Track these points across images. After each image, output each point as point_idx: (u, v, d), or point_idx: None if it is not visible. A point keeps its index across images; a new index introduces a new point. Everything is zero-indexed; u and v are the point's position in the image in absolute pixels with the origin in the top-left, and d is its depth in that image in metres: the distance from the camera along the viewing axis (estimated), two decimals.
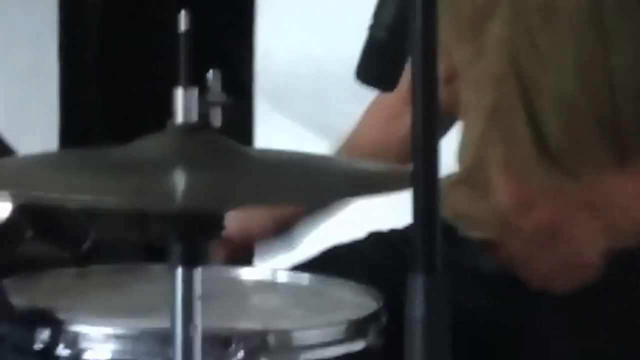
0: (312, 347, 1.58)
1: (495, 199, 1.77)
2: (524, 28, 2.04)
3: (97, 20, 4.89)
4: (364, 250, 2.12)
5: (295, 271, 1.94)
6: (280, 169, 1.65)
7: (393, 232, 2.07)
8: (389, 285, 1.64)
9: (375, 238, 2.14)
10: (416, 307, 1.09)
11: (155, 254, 1.51)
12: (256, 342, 1.54)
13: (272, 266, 1.96)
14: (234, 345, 1.52)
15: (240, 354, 1.52)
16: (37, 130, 4.17)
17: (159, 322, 1.50)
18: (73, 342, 1.54)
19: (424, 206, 1.10)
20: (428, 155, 1.11)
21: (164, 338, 1.45)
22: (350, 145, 2.21)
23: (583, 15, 1.98)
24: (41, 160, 1.66)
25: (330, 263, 2.03)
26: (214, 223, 1.42)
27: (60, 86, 4.39)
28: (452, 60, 2.14)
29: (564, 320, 1.93)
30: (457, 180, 2.11)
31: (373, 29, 1.43)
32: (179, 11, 1.45)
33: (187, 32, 1.45)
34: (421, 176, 1.11)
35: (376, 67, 1.44)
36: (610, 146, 1.97)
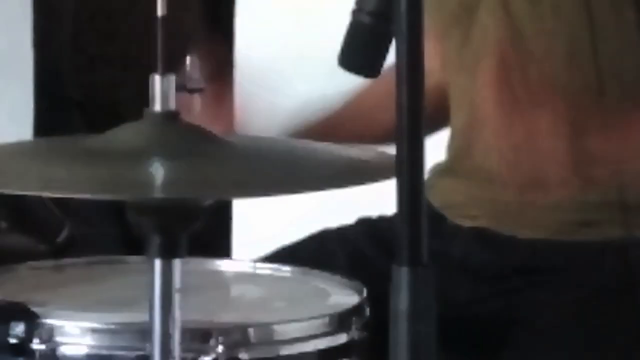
0: (293, 340, 1.58)
1: None
2: (510, 17, 2.06)
3: (71, 3, 4.89)
4: (353, 236, 2.14)
5: (283, 254, 1.98)
6: (262, 157, 1.65)
7: (382, 220, 2.09)
8: (375, 273, 1.66)
9: (364, 225, 2.16)
10: (401, 299, 1.10)
11: (133, 245, 1.51)
12: (236, 336, 1.55)
13: (258, 254, 1.96)
14: (213, 339, 1.52)
15: (220, 348, 1.52)
16: (10, 119, 4.18)
17: (137, 316, 1.51)
18: (48, 336, 1.54)
19: (409, 197, 1.10)
20: (413, 145, 1.11)
21: (142, 332, 1.46)
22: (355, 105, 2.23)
23: (570, 4, 2.00)
24: (15, 150, 1.66)
25: (318, 248, 2.05)
26: (193, 213, 1.42)
27: (35, 72, 4.39)
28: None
29: (554, 312, 1.95)
30: (445, 168, 2.13)
31: (356, 14, 1.43)
32: None
33: (164, 17, 1.45)
34: (406, 166, 1.10)
35: (360, 53, 1.44)
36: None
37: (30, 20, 4.33)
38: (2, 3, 4.29)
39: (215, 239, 2.94)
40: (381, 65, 1.46)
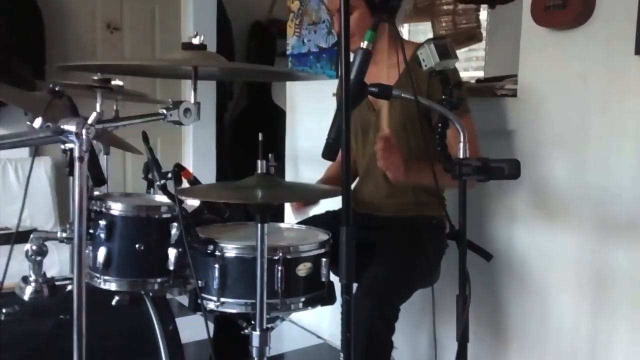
0: (305, 251, 1.56)
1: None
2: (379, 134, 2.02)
3: (231, 123, 4.85)
4: (324, 217, 2.08)
5: (300, 224, 1.88)
6: (295, 188, 1.66)
7: (337, 210, 2.05)
8: (333, 229, 1.64)
9: (328, 213, 2.09)
10: (342, 237, 1.09)
11: (250, 218, 1.51)
12: (285, 249, 1.52)
13: (292, 222, 1.91)
14: (278, 250, 1.51)
15: (280, 253, 1.51)
16: (206, 176, 4.12)
17: (251, 243, 1.49)
18: (221, 249, 1.52)
19: (346, 201, 1.10)
20: (346, 182, 1.11)
21: (254, 248, 1.45)
22: (326, 176, 2.15)
23: (399, 131, 1.93)
24: (210, 186, 1.67)
25: (313, 221, 2.01)
26: (271, 207, 1.43)
27: (217, 158, 4.34)
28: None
29: (394, 241, 1.92)
30: (354, 191, 2.10)
31: (327, 137, 1.44)
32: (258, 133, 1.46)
33: (262, 141, 1.45)
34: (346, 187, 1.11)
35: (329, 152, 1.43)
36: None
37: (214, 133, 4.25)
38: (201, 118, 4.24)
39: (278, 214, 2.92)
40: (336, 156, 1.46)
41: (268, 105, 4.92)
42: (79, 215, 1.10)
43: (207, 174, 4.11)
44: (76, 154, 1.08)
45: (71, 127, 1.09)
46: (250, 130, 2.47)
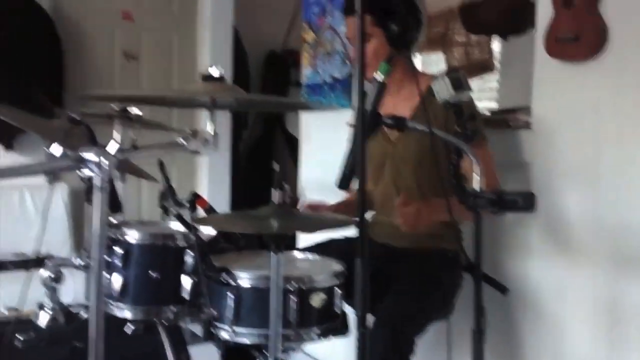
0: (320, 281, 1.56)
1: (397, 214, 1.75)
2: (396, 166, 2.01)
3: (245, 152, 4.86)
4: (340, 242, 2.04)
5: (312, 251, 1.85)
6: (310, 218, 1.66)
7: (354, 238, 2.05)
8: (348, 258, 1.63)
9: (344, 238, 2.02)
10: (357, 268, 1.11)
11: (265, 247, 1.50)
12: (300, 280, 1.52)
13: (305, 250, 1.90)
14: (292, 281, 1.51)
15: (294, 284, 1.50)
16: (220, 204, 4.10)
17: (266, 272, 1.48)
18: (234, 277, 1.52)
19: (361, 230, 1.11)
20: (361, 213, 1.12)
21: (268, 278, 1.45)
22: (345, 202, 2.12)
23: (416, 162, 1.95)
24: (226, 216, 1.67)
25: (328, 245, 2.01)
26: (287, 237, 1.44)
27: (230, 189, 4.32)
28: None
29: (407, 272, 1.91)
30: (371, 223, 2.08)
31: (341, 169, 1.44)
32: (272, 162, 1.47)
33: (278, 171, 1.47)
34: (361, 220, 1.11)
35: (343, 183, 1.44)
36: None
37: (229, 166, 4.27)
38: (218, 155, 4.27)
39: (291, 243, 2.90)
40: (350, 187, 1.46)
41: (282, 134, 4.96)
42: (99, 245, 1.11)
43: (222, 203, 4.11)
44: (97, 183, 1.10)
45: (92, 157, 1.10)
46: (265, 159, 2.48)
